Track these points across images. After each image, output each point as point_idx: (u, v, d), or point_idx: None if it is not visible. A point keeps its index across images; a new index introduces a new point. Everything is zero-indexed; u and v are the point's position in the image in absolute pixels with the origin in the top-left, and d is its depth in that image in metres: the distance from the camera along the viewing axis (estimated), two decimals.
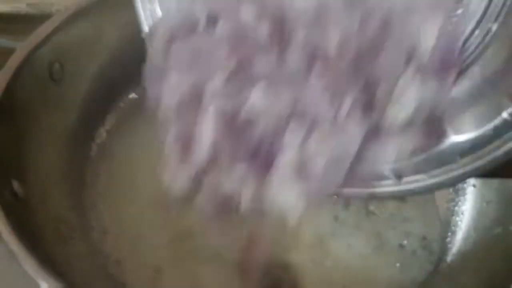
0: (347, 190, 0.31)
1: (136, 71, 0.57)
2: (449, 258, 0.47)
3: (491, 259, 0.43)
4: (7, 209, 0.31)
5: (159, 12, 0.38)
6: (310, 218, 0.45)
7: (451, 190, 0.51)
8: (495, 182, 0.47)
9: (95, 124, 0.51)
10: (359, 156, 0.29)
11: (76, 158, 0.46)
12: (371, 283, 0.44)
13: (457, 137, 0.29)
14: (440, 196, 0.51)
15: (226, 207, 0.31)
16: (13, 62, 0.40)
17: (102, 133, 0.51)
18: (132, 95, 0.55)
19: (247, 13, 0.29)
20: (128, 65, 0.54)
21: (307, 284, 0.42)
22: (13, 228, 0.29)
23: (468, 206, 0.49)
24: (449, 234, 0.48)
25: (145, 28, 0.39)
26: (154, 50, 0.33)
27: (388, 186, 0.32)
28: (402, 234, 0.48)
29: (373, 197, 0.35)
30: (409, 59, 0.28)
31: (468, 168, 0.29)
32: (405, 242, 0.48)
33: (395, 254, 0.46)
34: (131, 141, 0.51)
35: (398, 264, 0.46)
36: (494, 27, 0.27)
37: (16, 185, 0.35)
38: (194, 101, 0.31)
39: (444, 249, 0.48)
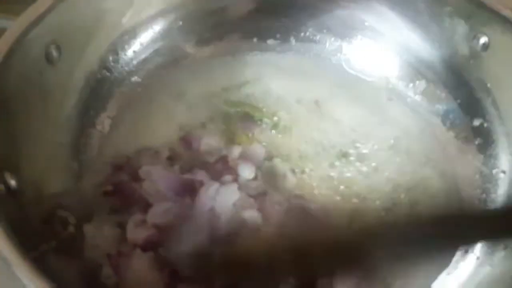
0: None
1: (141, 52, 0.55)
2: (476, 249, 0.43)
3: None
4: None
5: None
6: None
7: (477, 176, 0.48)
8: None
9: (96, 110, 0.48)
10: None
11: (76, 147, 0.44)
12: None
13: None
14: (465, 183, 0.48)
15: None
16: (3, 44, 0.36)
17: (104, 120, 0.48)
18: (135, 79, 0.52)
19: None
20: (132, 45, 0.52)
21: None
22: (3, 227, 0.27)
23: (499, 194, 0.46)
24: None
25: None
26: None
27: None
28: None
29: None
30: None
31: None
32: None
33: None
34: (134, 128, 0.48)
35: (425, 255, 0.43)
36: None
37: (9, 177, 0.32)
38: None
39: None
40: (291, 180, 0.44)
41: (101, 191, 0.40)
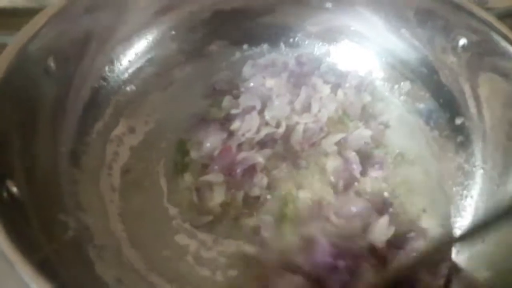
0: None
1: (135, 62, 0.56)
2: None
3: (502, 245, 0.41)
4: (3, 211, 0.31)
5: None
6: None
7: (460, 173, 0.50)
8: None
9: (94, 119, 0.49)
10: None
11: (75, 153, 0.46)
12: None
13: None
14: (448, 180, 0.50)
15: None
16: (4, 59, 0.38)
17: (100, 127, 0.50)
18: (131, 87, 0.54)
19: None
20: (127, 55, 0.53)
21: None
22: (7, 232, 0.29)
23: (478, 190, 0.48)
24: (458, 218, 0.47)
25: None
26: None
27: None
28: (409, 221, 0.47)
29: None
30: None
31: None
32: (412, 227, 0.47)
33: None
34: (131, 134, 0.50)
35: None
36: None
37: (11, 185, 0.34)
38: None
39: (452, 235, 0.46)
40: None
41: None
